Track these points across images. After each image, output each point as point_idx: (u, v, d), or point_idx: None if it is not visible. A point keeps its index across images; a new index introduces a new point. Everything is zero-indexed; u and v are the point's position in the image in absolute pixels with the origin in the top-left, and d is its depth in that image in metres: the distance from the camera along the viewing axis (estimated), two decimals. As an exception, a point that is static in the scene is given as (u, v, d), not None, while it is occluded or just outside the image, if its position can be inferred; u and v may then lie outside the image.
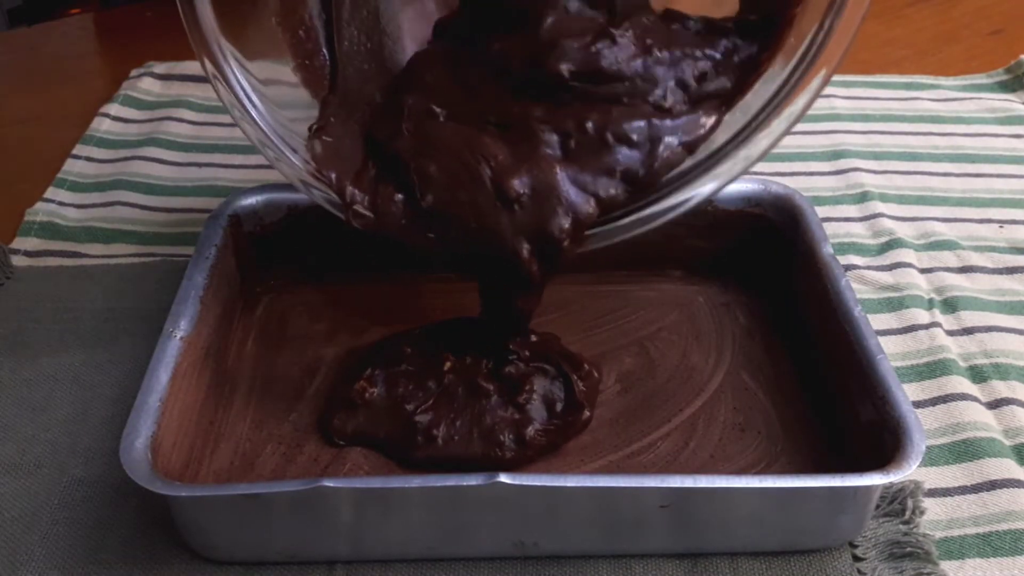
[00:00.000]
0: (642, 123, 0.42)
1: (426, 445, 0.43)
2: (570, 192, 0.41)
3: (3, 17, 1.24)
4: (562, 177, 0.41)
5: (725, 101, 0.43)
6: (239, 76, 0.42)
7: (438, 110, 0.43)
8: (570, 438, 0.44)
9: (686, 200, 0.44)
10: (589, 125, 0.42)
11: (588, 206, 0.41)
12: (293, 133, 0.43)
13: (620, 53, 0.43)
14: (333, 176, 0.43)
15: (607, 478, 0.39)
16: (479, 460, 0.43)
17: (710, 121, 0.42)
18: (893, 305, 0.53)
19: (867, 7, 0.39)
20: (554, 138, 0.42)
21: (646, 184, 0.42)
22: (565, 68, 0.42)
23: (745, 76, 0.43)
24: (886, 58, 0.77)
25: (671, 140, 0.42)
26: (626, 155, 0.42)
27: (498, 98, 0.43)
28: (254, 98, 0.43)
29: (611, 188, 0.42)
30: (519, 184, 0.41)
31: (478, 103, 0.43)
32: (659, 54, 0.43)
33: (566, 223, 0.41)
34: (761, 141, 0.42)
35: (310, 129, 0.43)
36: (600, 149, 0.42)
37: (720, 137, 0.43)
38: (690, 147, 0.42)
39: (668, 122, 0.42)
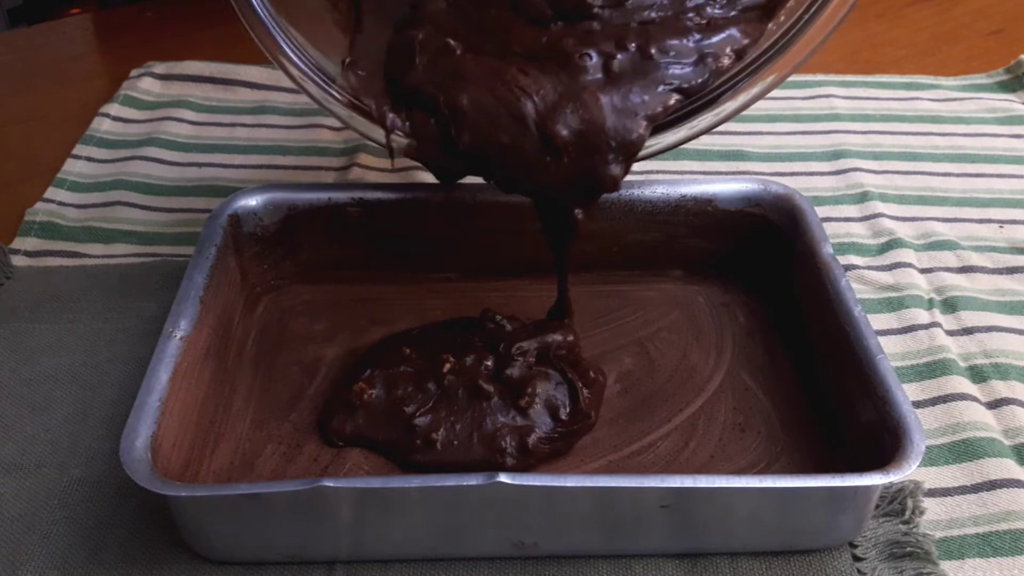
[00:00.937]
0: (683, 37, 0.42)
1: (425, 449, 0.43)
2: (618, 125, 0.41)
3: (3, 17, 1.24)
4: (608, 108, 0.40)
5: (767, 13, 0.43)
6: (318, 68, 0.43)
7: (453, 43, 0.43)
8: (573, 444, 0.44)
9: (729, 109, 0.44)
10: (632, 44, 0.41)
11: (638, 131, 0.41)
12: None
13: None
14: (372, 104, 0.43)
15: (607, 478, 0.39)
16: (479, 466, 0.42)
17: (754, 29, 0.42)
18: (893, 305, 0.53)
19: None
20: (593, 62, 0.41)
21: (694, 93, 0.42)
22: None
23: None
24: (886, 58, 0.77)
25: (716, 50, 0.42)
26: (673, 67, 0.41)
27: (518, 30, 0.43)
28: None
29: (660, 103, 0.41)
30: (565, 129, 0.40)
31: (497, 36, 0.43)
32: None
33: (617, 169, 0.41)
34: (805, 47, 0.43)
35: (343, 63, 0.44)
36: (645, 66, 0.41)
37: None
38: (738, 54, 0.42)
39: (708, 35, 0.42)
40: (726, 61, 0.42)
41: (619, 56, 0.41)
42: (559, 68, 0.41)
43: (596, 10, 0.43)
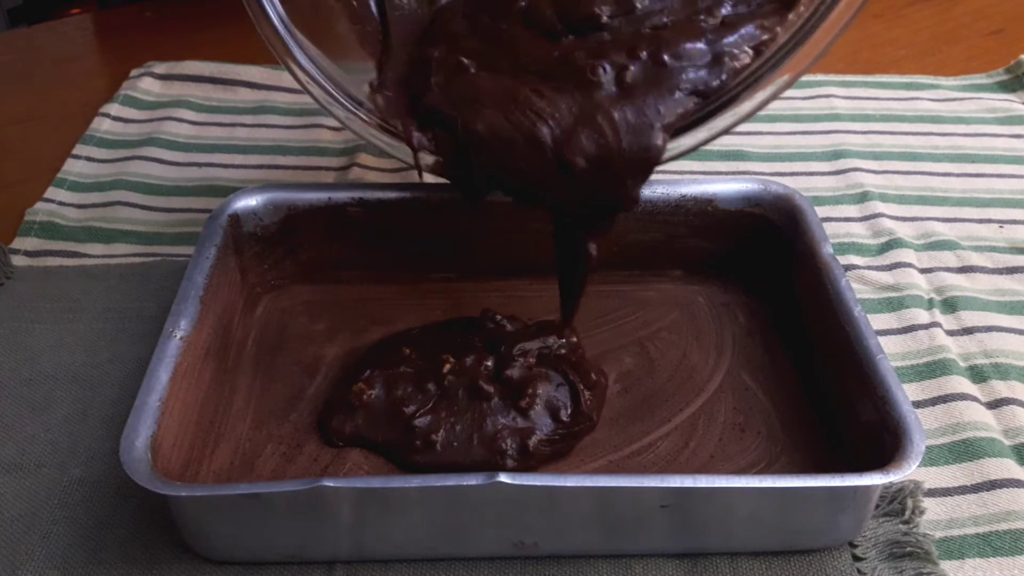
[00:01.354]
0: (697, 39, 0.41)
1: (425, 450, 0.43)
2: (634, 144, 0.41)
3: (3, 17, 1.24)
4: (624, 127, 0.40)
5: (786, 4, 0.42)
6: (325, 72, 0.43)
7: (467, 62, 0.43)
8: (573, 446, 0.44)
9: (748, 108, 0.43)
10: (644, 53, 0.41)
11: (656, 146, 0.41)
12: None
13: None
14: (399, 124, 0.43)
15: (607, 478, 0.39)
16: (479, 468, 0.42)
17: (772, 23, 0.42)
18: (893, 305, 0.53)
19: None
20: (607, 76, 0.41)
21: (712, 94, 0.42)
22: (597, 8, 0.42)
23: None
24: (886, 58, 0.77)
25: (733, 48, 0.42)
26: (688, 71, 0.41)
27: (531, 45, 0.43)
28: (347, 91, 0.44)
29: (676, 111, 0.41)
30: (581, 157, 0.40)
31: (510, 51, 0.43)
32: None
33: (636, 189, 0.41)
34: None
35: (371, 85, 0.44)
36: (659, 73, 0.41)
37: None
38: (757, 50, 0.42)
39: (723, 34, 0.42)
40: (745, 59, 0.42)
41: (632, 67, 0.41)
42: (573, 85, 0.41)
43: (606, 20, 0.42)
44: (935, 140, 0.67)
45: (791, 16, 0.42)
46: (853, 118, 0.69)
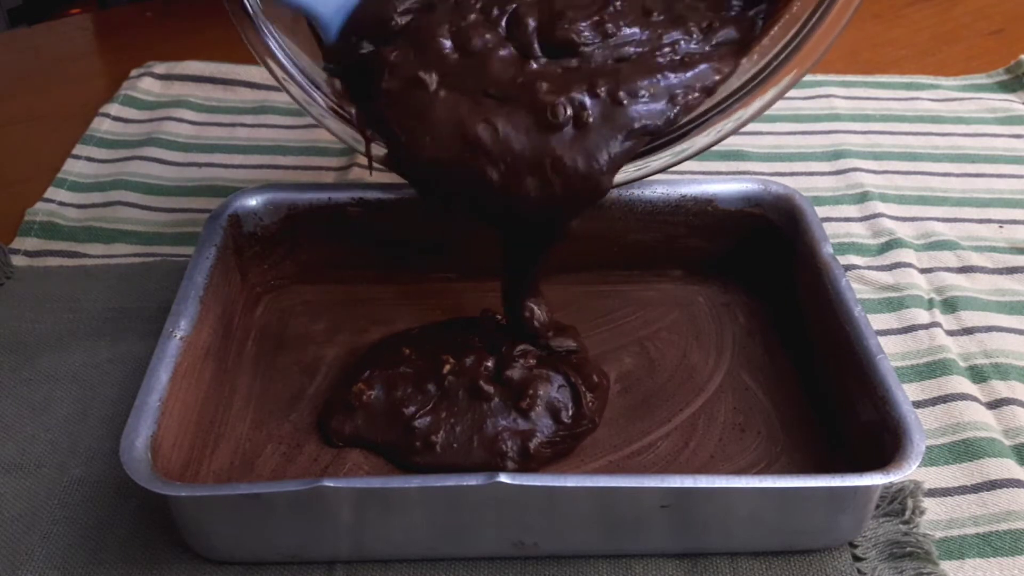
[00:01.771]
0: (655, 75, 0.42)
1: (425, 451, 0.43)
2: (582, 185, 0.41)
3: (3, 17, 1.24)
4: (573, 171, 0.41)
5: (741, 48, 0.43)
6: (304, 72, 0.43)
7: (426, 77, 0.42)
8: (574, 448, 0.44)
9: (688, 148, 0.44)
10: (603, 89, 0.41)
11: (602, 187, 0.41)
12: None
13: (623, 17, 0.43)
14: (353, 112, 0.43)
15: (607, 478, 0.39)
16: (480, 469, 0.42)
17: (726, 65, 0.42)
18: (893, 305, 0.53)
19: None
20: (563, 117, 0.41)
21: (661, 131, 0.42)
22: (575, 35, 0.42)
23: (758, 23, 0.43)
24: (886, 58, 0.77)
25: (686, 88, 0.42)
26: (641, 108, 0.41)
27: (499, 62, 0.42)
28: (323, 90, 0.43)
29: (625, 149, 0.41)
30: (525, 205, 0.41)
31: (477, 65, 0.42)
32: (658, 17, 0.43)
33: (577, 217, 0.42)
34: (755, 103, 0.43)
35: (326, 68, 0.44)
36: (614, 111, 0.41)
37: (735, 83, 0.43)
38: (708, 91, 0.42)
39: (680, 72, 0.42)
40: (695, 98, 0.42)
41: (589, 104, 0.41)
42: (528, 117, 0.41)
43: (581, 48, 0.43)
44: (935, 140, 0.67)
45: (744, 62, 0.43)
46: (853, 118, 0.69)
